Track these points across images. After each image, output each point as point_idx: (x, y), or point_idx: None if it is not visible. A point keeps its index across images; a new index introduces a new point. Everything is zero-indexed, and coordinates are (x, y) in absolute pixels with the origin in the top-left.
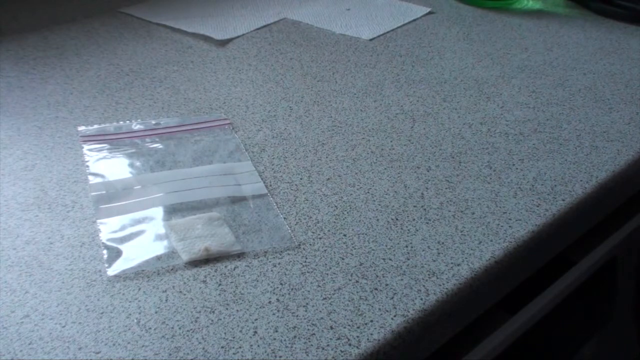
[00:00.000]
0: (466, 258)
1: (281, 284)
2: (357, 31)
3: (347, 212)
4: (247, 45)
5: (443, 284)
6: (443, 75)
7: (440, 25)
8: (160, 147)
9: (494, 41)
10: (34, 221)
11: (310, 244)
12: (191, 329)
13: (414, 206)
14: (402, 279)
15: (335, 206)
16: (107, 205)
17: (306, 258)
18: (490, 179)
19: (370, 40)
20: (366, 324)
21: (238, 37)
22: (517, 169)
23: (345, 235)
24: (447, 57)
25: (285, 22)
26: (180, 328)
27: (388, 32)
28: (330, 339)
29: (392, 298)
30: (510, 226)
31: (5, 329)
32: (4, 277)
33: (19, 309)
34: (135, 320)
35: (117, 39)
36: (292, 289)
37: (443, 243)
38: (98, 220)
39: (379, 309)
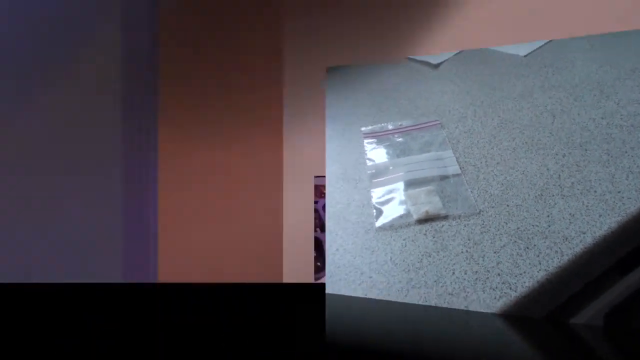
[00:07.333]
0: (590, 228)
1: (469, 239)
2: (515, 49)
3: (509, 189)
4: (454, 67)
5: (573, 248)
6: (574, 79)
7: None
8: (402, 140)
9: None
10: (341, 190)
11: (486, 212)
12: (418, 267)
13: (553, 185)
14: (544, 242)
15: (502, 184)
16: (375, 180)
17: (484, 221)
18: (608, 163)
19: (525, 56)
20: (521, 274)
21: (446, 60)
22: (629, 155)
23: (508, 205)
24: (578, 65)
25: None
26: (412, 264)
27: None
28: (498, 282)
29: (538, 256)
30: (623, 203)
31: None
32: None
33: (332, 245)
34: (390, 257)
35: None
36: (475, 244)
37: (573, 215)
38: (371, 190)
39: (529, 263)
